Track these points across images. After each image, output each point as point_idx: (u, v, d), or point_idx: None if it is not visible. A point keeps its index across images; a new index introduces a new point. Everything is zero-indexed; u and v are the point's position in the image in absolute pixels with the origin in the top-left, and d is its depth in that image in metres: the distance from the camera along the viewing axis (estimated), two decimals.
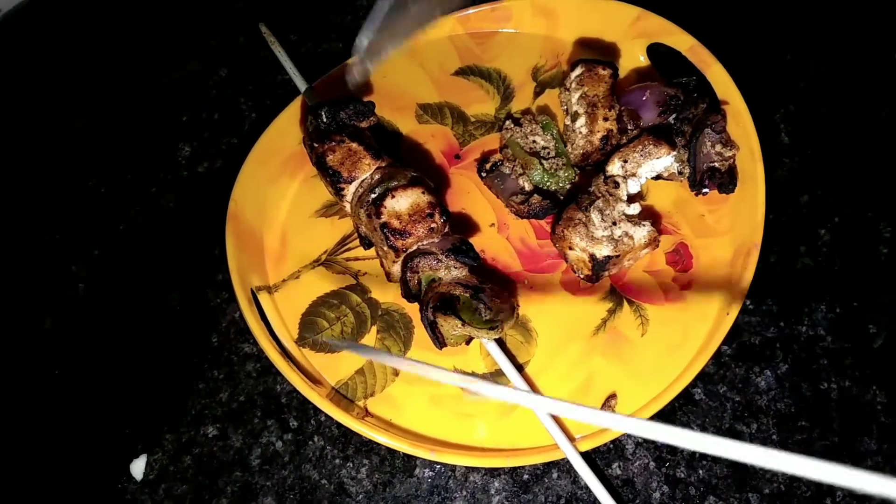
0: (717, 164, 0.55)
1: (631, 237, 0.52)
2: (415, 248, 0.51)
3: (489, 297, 0.48)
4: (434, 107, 0.63)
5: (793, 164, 0.61)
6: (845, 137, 0.62)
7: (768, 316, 0.55)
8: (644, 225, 0.52)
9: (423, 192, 0.51)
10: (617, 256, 0.51)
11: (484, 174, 0.58)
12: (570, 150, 0.58)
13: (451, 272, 0.50)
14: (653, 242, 0.52)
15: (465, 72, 0.64)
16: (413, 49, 0.64)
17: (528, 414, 0.50)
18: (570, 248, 0.53)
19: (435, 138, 0.61)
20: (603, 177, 0.55)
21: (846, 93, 0.64)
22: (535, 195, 0.56)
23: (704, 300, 0.54)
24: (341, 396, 0.52)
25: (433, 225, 0.50)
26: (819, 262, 0.57)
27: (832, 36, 0.66)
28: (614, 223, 0.52)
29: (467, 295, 0.48)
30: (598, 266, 0.52)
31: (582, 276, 0.54)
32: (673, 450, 0.51)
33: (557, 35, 0.64)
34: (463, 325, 0.48)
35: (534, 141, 0.58)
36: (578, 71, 0.57)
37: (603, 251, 0.51)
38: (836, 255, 0.57)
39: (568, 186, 0.58)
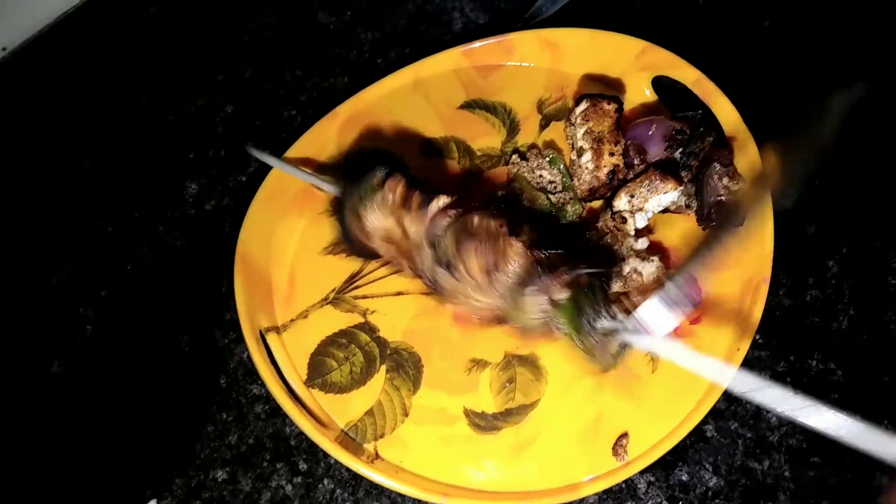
0: (724, 198, 0.55)
1: (640, 273, 0.51)
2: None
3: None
4: (440, 141, 0.63)
5: (799, 195, 0.61)
6: (852, 167, 0.62)
7: (778, 350, 0.55)
8: (652, 261, 0.52)
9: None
10: (626, 293, 0.51)
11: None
12: (576, 184, 0.58)
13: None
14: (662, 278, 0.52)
15: (470, 105, 0.64)
16: (418, 83, 0.64)
17: (539, 455, 0.50)
18: None
19: (441, 173, 0.61)
20: (610, 213, 0.55)
21: (853, 121, 0.64)
22: None
23: (714, 335, 0.54)
24: (350, 439, 0.52)
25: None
26: (828, 293, 0.57)
27: (838, 65, 0.66)
28: (623, 260, 0.52)
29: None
30: None
31: None
32: (685, 489, 0.51)
33: (562, 68, 0.64)
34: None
35: (540, 175, 0.58)
36: (583, 106, 0.57)
37: (612, 288, 0.51)
38: (844, 287, 0.57)
39: (575, 221, 0.58)
